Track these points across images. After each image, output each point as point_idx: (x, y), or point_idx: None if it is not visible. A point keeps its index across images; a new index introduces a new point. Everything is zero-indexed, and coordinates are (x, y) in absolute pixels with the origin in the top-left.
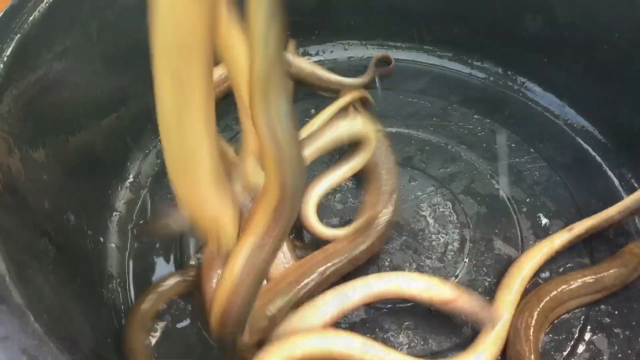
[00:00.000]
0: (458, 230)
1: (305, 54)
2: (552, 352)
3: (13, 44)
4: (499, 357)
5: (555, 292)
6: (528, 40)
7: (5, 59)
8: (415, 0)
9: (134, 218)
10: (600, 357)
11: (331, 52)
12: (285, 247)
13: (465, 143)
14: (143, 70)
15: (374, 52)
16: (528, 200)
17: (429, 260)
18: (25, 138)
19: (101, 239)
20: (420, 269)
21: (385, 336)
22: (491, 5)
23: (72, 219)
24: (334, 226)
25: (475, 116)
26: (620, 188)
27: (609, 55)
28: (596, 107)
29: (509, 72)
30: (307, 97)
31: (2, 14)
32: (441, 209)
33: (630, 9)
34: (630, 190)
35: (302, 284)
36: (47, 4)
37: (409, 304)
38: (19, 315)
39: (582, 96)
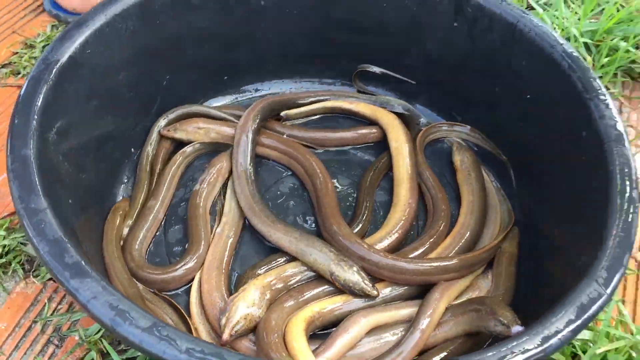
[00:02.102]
0: None
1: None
2: None
3: (40, 99)
4: None
5: None
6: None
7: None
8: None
9: None
10: None
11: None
12: None
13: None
14: (121, 122)
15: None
16: None
17: None
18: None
19: None
20: None
21: None
22: (378, 45)
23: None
24: None
25: None
26: None
27: (465, 78)
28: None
29: (396, 95)
30: None
31: (26, 84)
32: None
33: (473, 48)
34: None
35: None
36: (55, 76)
37: None
38: (99, 283)
39: (443, 105)
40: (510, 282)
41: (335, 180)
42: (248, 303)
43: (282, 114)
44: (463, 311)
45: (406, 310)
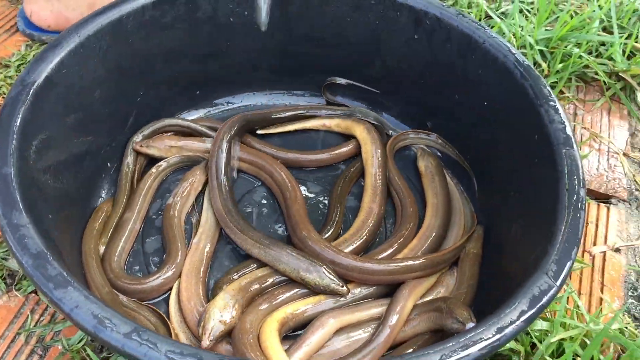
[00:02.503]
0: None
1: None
2: None
3: (19, 119)
4: None
5: None
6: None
7: (17, 125)
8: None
9: None
10: None
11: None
12: None
13: None
14: (98, 138)
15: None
16: None
17: None
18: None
19: None
20: None
21: None
22: (343, 57)
23: None
24: None
25: None
26: None
27: (426, 87)
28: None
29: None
30: None
31: (4, 105)
32: None
33: (433, 58)
34: None
35: None
36: (32, 96)
37: None
38: (81, 292)
39: (407, 113)
40: (473, 280)
41: (305, 188)
42: (220, 308)
43: (259, 132)
44: (427, 310)
45: (375, 309)
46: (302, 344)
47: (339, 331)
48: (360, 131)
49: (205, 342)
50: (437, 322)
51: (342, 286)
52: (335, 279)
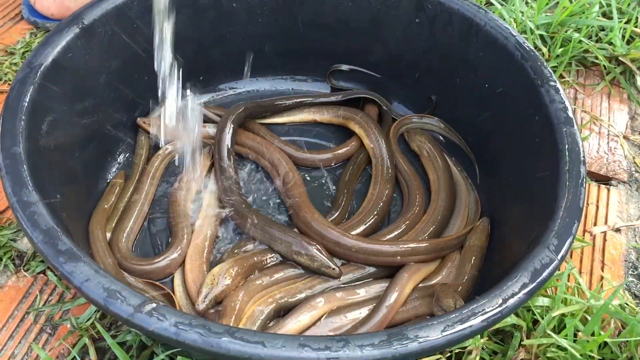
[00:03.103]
0: None
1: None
2: None
3: (27, 100)
4: None
5: None
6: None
7: (25, 106)
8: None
9: None
10: None
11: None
12: None
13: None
14: (105, 121)
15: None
16: None
17: None
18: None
19: None
20: None
21: None
22: (345, 43)
23: None
24: None
25: None
26: None
27: (427, 71)
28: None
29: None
30: None
31: (12, 87)
32: None
33: (434, 42)
34: None
35: None
36: (40, 78)
37: None
38: (91, 266)
39: (409, 97)
40: (474, 270)
41: (306, 174)
42: (215, 274)
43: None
44: (424, 295)
45: (372, 291)
46: (289, 322)
47: (335, 311)
48: (353, 126)
49: (199, 306)
50: (430, 307)
51: (334, 269)
52: (327, 262)
